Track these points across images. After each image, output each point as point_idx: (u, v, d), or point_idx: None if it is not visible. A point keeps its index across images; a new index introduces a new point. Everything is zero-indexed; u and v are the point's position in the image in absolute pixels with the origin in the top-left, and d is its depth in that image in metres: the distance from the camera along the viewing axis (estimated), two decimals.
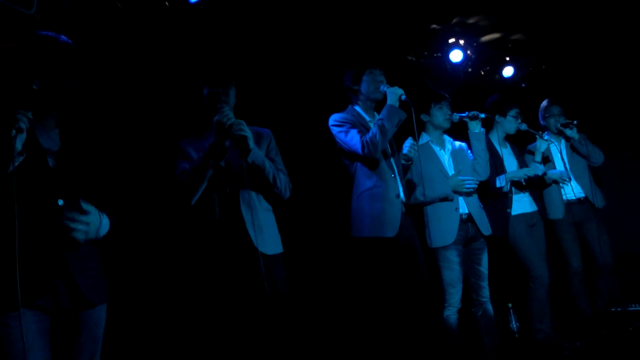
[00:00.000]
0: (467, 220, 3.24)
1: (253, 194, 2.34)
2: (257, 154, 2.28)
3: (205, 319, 2.25)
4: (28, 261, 1.58)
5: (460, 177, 3.21)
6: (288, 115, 3.39)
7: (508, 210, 3.60)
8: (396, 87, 2.83)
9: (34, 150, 1.67)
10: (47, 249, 1.61)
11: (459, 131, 3.50)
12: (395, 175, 2.89)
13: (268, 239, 2.34)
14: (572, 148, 3.98)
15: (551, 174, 3.82)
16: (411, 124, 2.84)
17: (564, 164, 3.93)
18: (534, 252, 3.61)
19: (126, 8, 2.77)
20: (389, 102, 2.80)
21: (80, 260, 1.70)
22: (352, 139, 2.80)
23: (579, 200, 3.91)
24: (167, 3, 2.86)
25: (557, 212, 3.91)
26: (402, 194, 2.88)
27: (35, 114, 1.67)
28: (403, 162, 3.00)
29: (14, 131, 1.55)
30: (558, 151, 3.98)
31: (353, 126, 2.85)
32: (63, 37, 1.76)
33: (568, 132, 3.91)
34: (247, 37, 3.20)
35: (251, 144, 2.22)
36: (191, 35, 2.98)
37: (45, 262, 1.63)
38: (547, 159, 3.96)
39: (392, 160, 2.94)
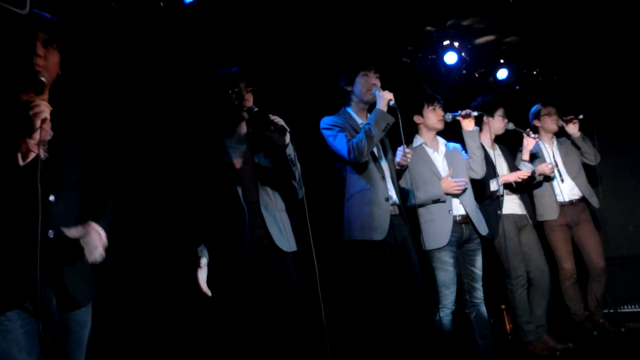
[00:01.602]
0: (462, 222, 3.25)
1: (270, 194, 2.35)
2: (291, 148, 2.30)
3: (231, 320, 2.22)
4: (14, 262, 1.55)
5: (451, 179, 3.22)
6: (286, 117, 3.38)
7: (498, 212, 3.61)
8: (386, 92, 2.81)
9: None
10: (34, 249, 1.58)
11: (452, 132, 3.52)
12: (385, 178, 2.88)
13: (288, 237, 2.36)
14: (573, 145, 4.00)
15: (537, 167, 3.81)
16: (406, 127, 2.84)
17: (556, 164, 3.95)
18: (516, 253, 3.61)
19: (121, 8, 2.75)
20: (377, 106, 2.79)
21: (68, 261, 1.67)
22: (340, 143, 2.79)
23: (571, 202, 3.93)
24: (161, 4, 2.85)
25: (549, 214, 3.93)
26: (394, 197, 2.88)
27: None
28: (397, 167, 3.00)
29: (39, 122, 1.51)
30: (549, 152, 3.99)
31: (342, 130, 2.84)
32: (46, 14, 1.71)
33: (571, 128, 3.92)
34: (242, 37, 3.19)
35: (288, 138, 2.24)
36: (186, 35, 2.97)
37: (32, 264, 1.59)
38: (534, 156, 3.96)
39: (382, 162, 2.94)
